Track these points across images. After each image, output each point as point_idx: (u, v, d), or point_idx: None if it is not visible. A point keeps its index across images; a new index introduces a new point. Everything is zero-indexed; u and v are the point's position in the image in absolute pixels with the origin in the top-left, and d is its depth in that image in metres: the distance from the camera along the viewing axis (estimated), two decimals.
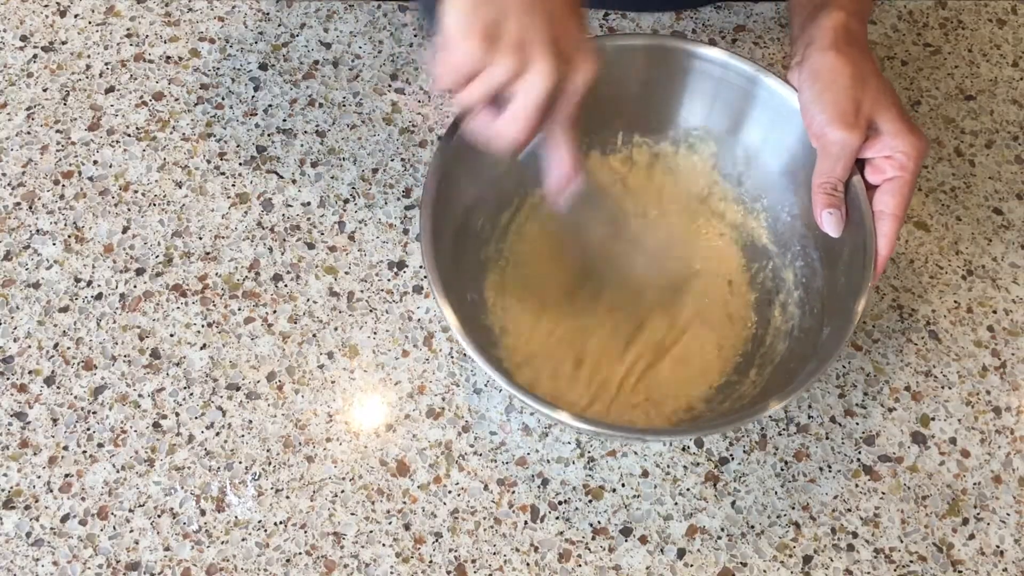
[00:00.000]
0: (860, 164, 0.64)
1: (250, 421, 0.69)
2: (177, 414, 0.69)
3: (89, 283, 0.73)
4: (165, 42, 0.84)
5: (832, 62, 0.63)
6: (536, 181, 0.72)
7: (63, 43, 0.84)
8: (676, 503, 0.67)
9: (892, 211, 0.63)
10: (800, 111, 0.65)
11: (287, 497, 0.67)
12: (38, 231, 0.75)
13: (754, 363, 0.69)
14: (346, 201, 0.77)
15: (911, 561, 0.66)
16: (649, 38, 0.74)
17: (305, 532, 0.65)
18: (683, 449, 0.69)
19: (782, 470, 0.69)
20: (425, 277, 0.74)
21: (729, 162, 0.73)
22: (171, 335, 0.72)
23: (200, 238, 0.75)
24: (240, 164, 0.79)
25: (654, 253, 0.73)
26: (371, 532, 0.66)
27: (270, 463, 0.68)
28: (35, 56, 0.83)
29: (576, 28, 0.55)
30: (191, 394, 0.70)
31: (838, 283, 0.66)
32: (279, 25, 0.85)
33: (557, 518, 0.67)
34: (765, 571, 0.65)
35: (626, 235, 0.74)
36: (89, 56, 0.83)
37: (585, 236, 0.73)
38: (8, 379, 0.70)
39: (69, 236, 0.75)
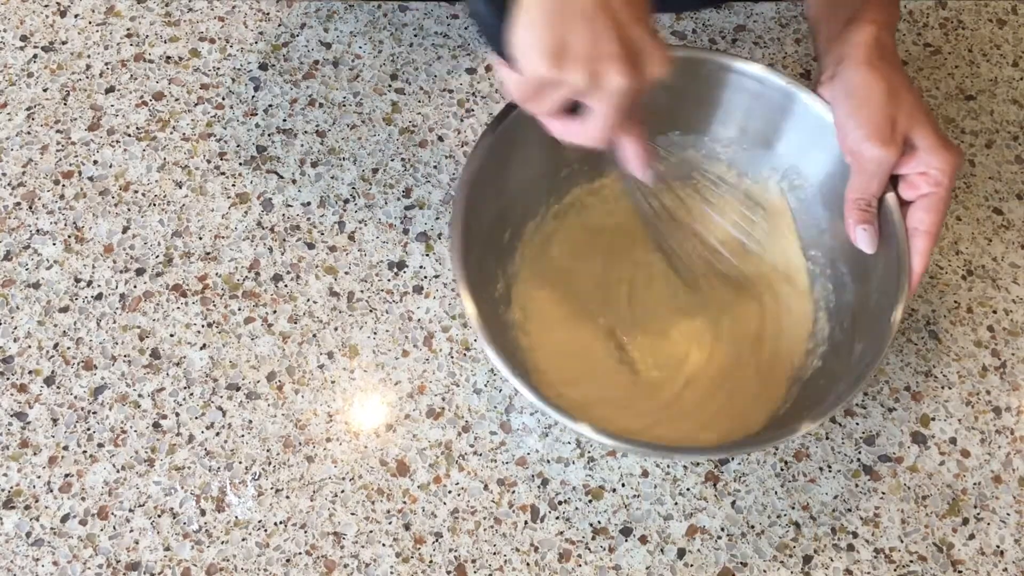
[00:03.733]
0: (894, 180, 0.64)
1: (250, 421, 0.69)
2: (177, 414, 0.69)
3: (89, 283, 0.73)
4: (165, 42, 0.84)
5: (866, 78, 0.63)
6: (562, 190, 0.72)
7: (63, 43, 0.84)
8: (676, 503, 0.67)
9: (927, 228, 0.63)
10: (834, 127, 0.65)
11: (287, 497, 0.67)
12: (38, 231, 0.75)
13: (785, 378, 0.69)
14: (346, 201, 0.77)
15: (911, 561, 0.66)
16: (684, 50, 0.74)
17: (305, 532, 0.65)
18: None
19: (782, 470, 0.69)
20: (425, 278, 0.74)
21: (761, 175, 0.73)
22: (171, 335, 0.72)
23: (200, 238, 0.75)
24: (240, 164, 0.79)
25: (683, 266, 0.73)
26: (371, 532, 0.66)
27: (270, 463, 0.68)
28: (35, 56, 0.83)
29: (644, 29, 0.54)
30: (191, 394, 0.70)
31: (870, 299, 0.65)
32: (279, 25, 0.85)
33: (557, 518, 0.66)
34: (765, 571, 0.65)
35: (656, 246, 0.73)
36: (89, 56, 0.83)
37: (618, 246, 0.73)
38: (8, 379, 0.70)
39: (69, 236, 0.75)
